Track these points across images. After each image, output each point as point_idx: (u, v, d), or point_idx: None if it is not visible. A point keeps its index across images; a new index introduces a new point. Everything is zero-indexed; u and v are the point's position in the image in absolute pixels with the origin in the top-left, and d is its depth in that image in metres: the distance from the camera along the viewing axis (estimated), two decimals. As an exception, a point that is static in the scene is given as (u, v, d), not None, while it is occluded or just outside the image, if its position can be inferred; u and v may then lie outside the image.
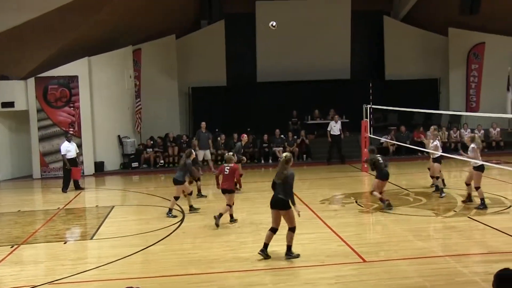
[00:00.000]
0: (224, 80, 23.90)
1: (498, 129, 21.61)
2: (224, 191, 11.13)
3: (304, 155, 21.09)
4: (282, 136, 21.14)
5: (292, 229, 8.45)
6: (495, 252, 8.47)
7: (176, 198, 12.02)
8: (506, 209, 11.55)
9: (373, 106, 17.97)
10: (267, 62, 23.67)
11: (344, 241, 9.35)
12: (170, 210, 11.96)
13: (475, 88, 23.66)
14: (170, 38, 22.77)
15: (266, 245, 8.57)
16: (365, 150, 16.26)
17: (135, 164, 20.08)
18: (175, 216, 11.80)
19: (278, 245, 8.72)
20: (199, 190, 14.20)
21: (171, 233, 10.45)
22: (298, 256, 8.47)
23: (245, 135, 15.30)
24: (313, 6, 23.07)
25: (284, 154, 8.75)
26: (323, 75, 23.19)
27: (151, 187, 16.74)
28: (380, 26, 24.61)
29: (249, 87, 23.80)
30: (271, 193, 8.68)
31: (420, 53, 24.41)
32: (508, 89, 21.56)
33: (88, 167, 19.17)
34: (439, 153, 13.16)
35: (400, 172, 17.83)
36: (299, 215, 8.49)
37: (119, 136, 20.18)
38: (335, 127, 19.49)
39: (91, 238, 10.49)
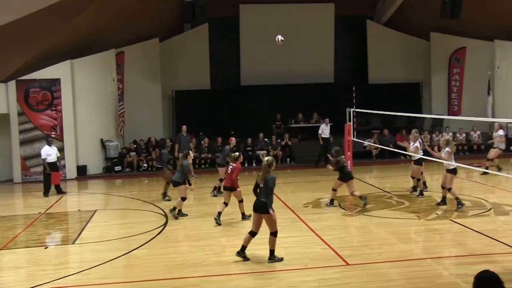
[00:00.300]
0: (208, 83, 23.87)
1: (479, 132, 21.86)
2: (225, 188, 11.48)
3: (288, 159, 21.13)
4: (265, 139, 21.16)
5: (273, 234, 8.45)
6: (476, 254, 8.55)
7: (183, 199, 12.02)
8: (486, 211, 11.68)
9: (357, 110, 18.07)
10: (251, 66, 23.70)
11: (327, 244, 9.38)
12: (180, 211, 12.02)
13: (457, 92, 23.94)
14: (154, 41, 22.69)
15: (243, 248, 8.58)
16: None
17: (118, 168, 19.96)
18: (186, 215, 11.95)
19: (261, 249, 8.72)
20: (165, 193, 14.28)
21: (154, 237, 10.39)
22: (281, 259, 8.48)
23: (233, 139, 15.35)
24: (297, 10, 23.19)
25: (266, 158, 8.74)
26: (307, 78, 23.31)
27: (134, 191, 16.65)
28: (363, 30, 24.80)
29: (232, 91, 23.82)
30: (254, 197, 8.68)
31: (403, 57, 24.64)
32: (488, 93, 21.86)
33: (71, 170, 19.00)
34: (419, 155, 13.33)
35: (383, 176, 17.98)
36: (274, 219, 8.46)
37: (102, 139, 20.04)
38: (326, 130, 19.59)
39: (73, 243, 10.38)
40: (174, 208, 12.03)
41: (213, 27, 23.66)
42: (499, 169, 15.92)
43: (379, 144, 20.11)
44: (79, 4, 16.26)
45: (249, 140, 20.90)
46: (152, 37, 22.46)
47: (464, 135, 21.57)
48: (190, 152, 12.66)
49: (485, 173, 15.72)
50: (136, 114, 21.74)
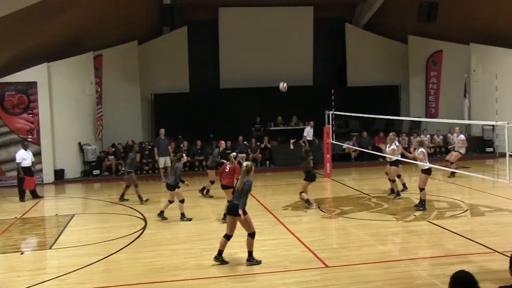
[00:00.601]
0: (187, 86, 23.80)
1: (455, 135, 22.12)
2: (224, 187, 11.82)
3: (267, 161, 21.14)
4: (245, 142, 21.14)
5: (251, 235, 8.45)
6: (453, 255, 8.66)
7: (182, 201, 11.99)
8: (463, 212, 11.85)
9: (335, 113, 18.18)
10: (230, 69, 23.69)
11: (307, 247, 9.40)
12: (182, 214, 11.96)
13: (434, 95, 24.24)
14: (132, 44, 22.55)
15: (220, 252, 8.58)
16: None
17: (96, 172, 19.76)
18: (190, 219, 11.88)
19: (240, 252, 8.71)
20: (139, 197, 14.25)
21: (133, 241, 10.31)
22: (259, 262, 8.47)
23: (223, 142, 15.50)
24: (276, 13, 23.26)
25: (245, 164, 8.78)
26: (286, 81, 23.28)
27: (113, 194, 16.43)
28: (342, 33, 24.97)
29: (212, 94, 23.76)
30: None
31: (381, 60, 24.87)
32: (464, 96, 22.17)
33: (48, 175, 18.73)
34: (396, 157, 13.50)
35: (362, 178, 18.11)
36: (243, 219, 8.49)
37: (79, 143, 19.81)
38: (310, 133, 19.65)
39: (50, 248, 10.23)
40: (183, 215, 11.98)
41: (192, 30, 23.61)
42: (453, 174, 16.22)
43: (358, 147, 20.24)
44: (56, 7, 16.06)
45: (229, 143, 20.82)
46: (130, 40, 22.32)
47: (441, 137, 21.81)
48: (184, 155, 12.60)
49: (453, 173, 16.03)
50: (114, 117, 21.56)
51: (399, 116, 22.40)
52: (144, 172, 20.24)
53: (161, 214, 12.10)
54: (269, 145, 21.48)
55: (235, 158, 11.98)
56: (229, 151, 20.60)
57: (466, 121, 20.49)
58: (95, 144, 20.48)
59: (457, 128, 17.33)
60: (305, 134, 19.85)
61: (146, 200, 14.11)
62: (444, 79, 23.89)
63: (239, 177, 8.74)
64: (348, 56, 25.01)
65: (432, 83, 24.28)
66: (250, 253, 8.49)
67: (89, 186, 18.51)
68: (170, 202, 12.14)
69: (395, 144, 13.78)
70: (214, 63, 23.95)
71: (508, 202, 11.89)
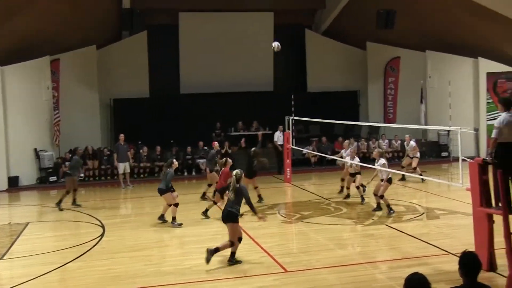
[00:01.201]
0: (147, 91, 23.52)
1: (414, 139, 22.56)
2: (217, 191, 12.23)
3: (228, 167, 21.06)
4: (205, 148, 21.02)
5: (231, 242, 8.71)
6: (409, 257, 8.84)
7: (176, 205, 11.76)
8: (419, 216, 12.10)
9: (296, 118, 18.31)
10: (190, 74, 23.54)
11: (266, 252, 9.41)
12: (174, 218, 11.72)
13: (392, 100, 24.70)
14: (91, 48, 22.12)
15: (233, 254, 8.78)
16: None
17: (53, 178, 19.25)
18: (180, 224, 11.64)
19: (199, 258, 8.63)
20: (60, 200, 14.25)
21: (90, 249, 10.10)
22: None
23: (216, 143, 15.43)
24: (237, 18, 23.26)
25: (234, 172, 8.98)
26: (247, 87, 23.38)
27: (69, 202, 16.08)
28: (302, 39, 25.18)
29: (172, 99, 23.55)
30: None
31: (341, 66, 25.14)
32: (421, 101, 22.68)
33: (0, 182, 18.17)
34: (352, 161, 13.71)
35: (321, 183, 18.25)
36: (265, 220, 9.36)
37: (35, 149, 19.31)
38: (280, 137, 19.67)
39: (2, 258, 9.88)
40: (174, 219, 11.73)
41: (152, 34, 23.35)
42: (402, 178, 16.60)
43: (318, 152, 20.42)
44: (10, 9, 15.67)
45: (189, 149, 20.74)
46: (89, 44, 21.89)
47: (399, 142, 22.21)
48: (174, 160, 12.40)
49: (402, 178, 16.52)
50: (72, 122, 21.07)
51: (358, 121, 22.70)
52: (103, 178, 19.90)
53: (173, 221, 11.76)
54: (229, 151, 21.41)
55: (224, 163, 12.45)
56: (189, 157, 20.62)
57: (423, 126, 20.96)
58: (51, 150, 19.99)
59: (407, 135, 17.63)
60: (275, 139, 19.85)
61: (61, 210, 14.06)
62: (402, 85, 24.37)
63: (230, 186, 8.90)
64: (308, 62, 25.21)
65: (390, 88, 24.75)
66: (217, 249, 8.59)
67: (45, 193, 18.03)
68: (175, 205, 11.82)
69: (350, 150, 14.12)
70: (174, 68, 23.74)
71: (461, 204, 12.19)
